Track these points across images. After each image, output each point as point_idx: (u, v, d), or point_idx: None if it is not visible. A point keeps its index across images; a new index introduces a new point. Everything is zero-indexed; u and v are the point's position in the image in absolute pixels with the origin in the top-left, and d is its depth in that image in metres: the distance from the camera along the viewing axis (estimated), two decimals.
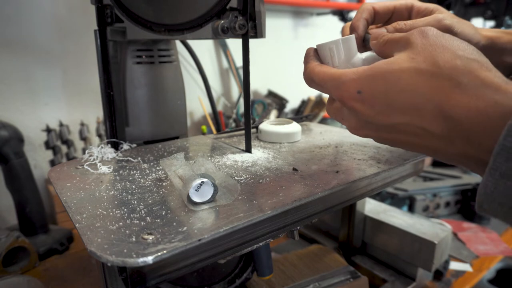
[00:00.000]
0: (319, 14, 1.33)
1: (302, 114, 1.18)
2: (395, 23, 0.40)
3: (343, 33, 0.45)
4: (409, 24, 0.40)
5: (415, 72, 0.29)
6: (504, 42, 0.46)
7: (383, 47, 0.35)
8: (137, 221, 0.32)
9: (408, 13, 0.44)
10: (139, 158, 0.50)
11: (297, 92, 1.27)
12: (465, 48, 0.29)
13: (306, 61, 0.39)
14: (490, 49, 0.45)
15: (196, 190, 0.35)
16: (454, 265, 0.71)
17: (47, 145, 0.86)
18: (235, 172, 0.45)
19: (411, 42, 0.31)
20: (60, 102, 0.87)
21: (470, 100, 0.26)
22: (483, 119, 0.25)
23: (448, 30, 0.41)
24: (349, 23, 0.45)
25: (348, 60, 0.37)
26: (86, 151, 0.50)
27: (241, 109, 1.13)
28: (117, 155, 0.52)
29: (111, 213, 0.34)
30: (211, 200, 0.36)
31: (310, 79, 0.37)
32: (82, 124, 0.90)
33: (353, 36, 0.38)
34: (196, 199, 0.35)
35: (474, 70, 0.27)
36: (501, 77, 0.27)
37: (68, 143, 0.88)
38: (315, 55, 0.39)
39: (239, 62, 1.13)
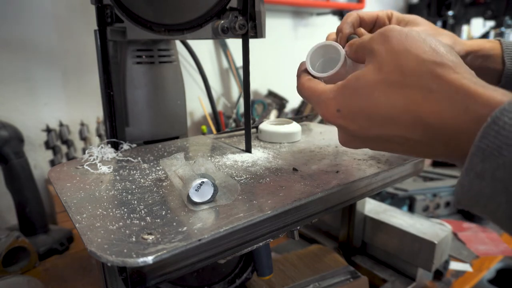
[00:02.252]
0: (319, 14, 1.33)
1: (302, 114, 1.18)
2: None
3: (327, 39, 0.46)
4: None
5: (385, 85, 0.30)
6: (488, 49, 0.47)
7: (356, 54, 0.36)
8: (137, 221, 0.32)
9: (389, 22, 0.47)
10: (139, 158, 0.50)
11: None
12: (429, 50, 0.29)
13: (297, 74, 0.40)
14: (473, 58, 0.47)
15: (196, 190, 0.35)
16: (454, 265, 0.71)
17: (47, 145, 0.86)
18: (235, 172, 0.45)
19: (374, 50, 0.31)
20: (60, 102, 0.87)
21: (443, 107, 0.27)
22: (458, 124, 0.26)
23: None
24: (333, 32, 0.47)
25: (332, 67, 0.38)
26: (86, 151, 0.50)
27: (241, 109, 1.13)
28: (117, 155, 0.52)
29: (111, 213, 0.34)
30: (211, 200, 0.36)
31: (300, 93, 0.39)
32: (82, 124, 0.90)
33: (331, 42, 0.39)
34: (196, 199, 0.35)
35: (441, 75, 0.27)
36: (470, 78, 0.27)
37: (68, 143, 0.88)
38: (306, 68, 0.40)
39: (239, 62, 1.13)
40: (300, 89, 0.38)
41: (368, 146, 0.34)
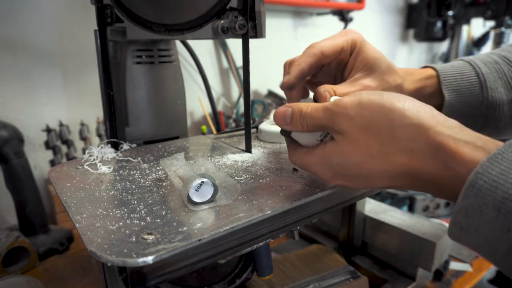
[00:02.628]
0: (319, 14, 1.33)
1: None
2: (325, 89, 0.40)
3: (284, 70, 0.45)
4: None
5: (368, 157, 0.31)
6: (429, 85, 0.47)
7: (313, 130, 0.36)
8: (137, 221, 0.32)
9: (351, 51, 0.44)
10: (139, 158, 0.50)
11: None
12: (399, 116, 0.30)
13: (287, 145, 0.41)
14: (417, 95, 0.46)
15: (196, 190, 0.35)
16: (454, 265, 0.71)
17: (47, 145, 0.86)
18: (235, 172, 0.45)
19: (343, 131, 0.32)
20: (60, 102, 0.87)
21: (426, 164, 0.29)
22: (442, 178, 0.28)
23: None
24: (291, 59, 0.45)
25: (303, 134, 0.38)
26: (86, 151, 0.50)
27: (241, 109, 1.13)
28: (117, 155, 0.52)
29: (111, 213, 0.34)
30: (211, 200, 0.36)
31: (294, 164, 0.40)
32: (82, 124, 0.90)
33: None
34: (196, 199, 0.35)
35: (417, 136, 0.29)
36: (446, 133, 0.28)
37: (68, 143, 0.88)
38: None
39: (239, 62, 1.13)
40: (293, 161, 0.40)
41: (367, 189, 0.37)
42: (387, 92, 0.32)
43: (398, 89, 0.43)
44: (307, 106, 0.35)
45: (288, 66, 0.45)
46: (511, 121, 0.47)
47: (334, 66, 0.46)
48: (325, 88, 0.39)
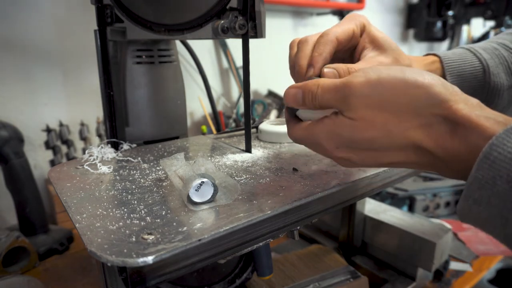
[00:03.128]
0: (319, 14, 1.33)
1: None
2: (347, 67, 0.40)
3: (291, 48, 0.45)
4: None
5: (385, 132, 0.31)
6: (434, 70, 0.47)
7: (324, 106, 0.35)
8: (137, 221, 0.32)
9: (361, 34, 0.44)
10: (139, 158, 0.50)
11: None
12: (422, 94, 0.29)
13: (285, 119, 0.41)
14: None
15: (196, 190, 0.35)
16: (454, 265, 0.71)
17: (47, 145, 0.86)
18: (235, 172, 0.45)
19: (358, 109, 0.31)
20: (60, 102, 0.87)
21: (443, 141, 0.29)
22: (455, 156, 0.28)
23: None
24: (298, 39, 0.44)
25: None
26: (86, 151, 0.50)
27: (241, 109, 1.13)
28: (117, 155, 0.52)
29: (111, 213, 0.34)
30: (211, 200, 0.36)
31: (294, 140, 0.39)
32: (82, 124, 0.90)
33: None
34: (196, 199, 0.35)
35: (440, 111, 0.29)
36: (464, 106, 0.28)
37: (68, 143, 0.88)
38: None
39: (239, 62, 1.13)
40: (294, 135, 0.38)
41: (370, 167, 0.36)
42: (408, 68, 0.31)
43: None
44: (316, 86, 0.34)
45: (297, 44, 0.43)
46: (509, 107, 0.48)
47: (345, 52, 0.45)
48: (334, 67, 0.39)
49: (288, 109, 0.40)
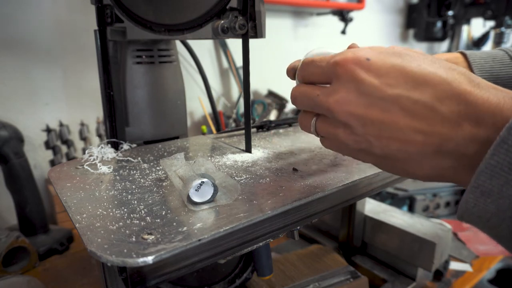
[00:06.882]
0: (319, 14, 1.33)
1: None
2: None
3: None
4: None
5: (430, 61, 0.29)
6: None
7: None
8: (137, 221, 0.32)
9: None
10: (139, 158, 0.50)
11: None
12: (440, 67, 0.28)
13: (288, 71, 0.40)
14: None
15: (196, 190, 0.35)
16: (454, 265, 0.71)
17: (47, 145, 0.86)
18: (235, 172, 0.45)
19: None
20: (60, 102, 0.87)
21: (484, 92, 0.26)
22: (497, 109, 0.25)
23: None
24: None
25: None
26: (86, 151, 0.50)
27: (241, 109, 1.13)
28: (117, 155, 0.52)
29: (111, 213, 0.34)
30: (211, 200, 0.36)
31: (295, 99, 0.36)
32: (82, 124, 0.90)
33: (328, 50, 0.38)
34: (196, 199, 0.35)
35: (457, 101, 0.27)
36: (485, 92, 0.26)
37: (68, 143, 0.88)
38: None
39: (239, 62, 1.13)
40: (295, 94, 0.36)
41: (372, 112, 0.29)
42: (430, 56, 0.30)
43: None
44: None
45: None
46: None
47: None
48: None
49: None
